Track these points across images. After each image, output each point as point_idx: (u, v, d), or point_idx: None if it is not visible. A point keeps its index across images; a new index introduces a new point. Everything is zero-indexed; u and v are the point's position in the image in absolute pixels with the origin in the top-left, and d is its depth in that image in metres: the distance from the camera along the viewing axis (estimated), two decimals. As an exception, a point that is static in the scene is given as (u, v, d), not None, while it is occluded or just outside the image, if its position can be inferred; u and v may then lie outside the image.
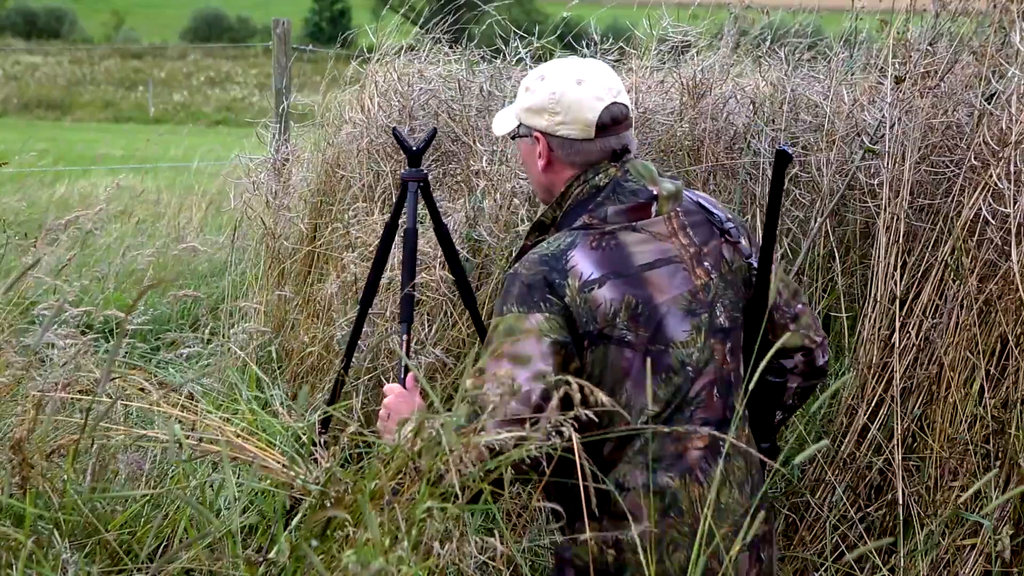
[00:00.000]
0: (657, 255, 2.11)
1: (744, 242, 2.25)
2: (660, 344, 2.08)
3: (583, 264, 2.08)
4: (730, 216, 2.26)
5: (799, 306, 2.31)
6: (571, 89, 2.16)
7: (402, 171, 2.78)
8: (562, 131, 2.17)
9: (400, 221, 2.82)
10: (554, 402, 1.78)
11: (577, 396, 1.75)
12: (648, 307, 2.08)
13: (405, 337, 2.64)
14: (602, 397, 1.75)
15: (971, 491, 1.97)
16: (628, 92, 3.69)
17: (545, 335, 2.03)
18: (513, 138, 2.32)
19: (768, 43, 3.91)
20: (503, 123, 2.35)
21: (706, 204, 2.26)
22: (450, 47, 4.20)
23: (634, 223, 2.12)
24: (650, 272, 2.10)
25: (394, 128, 2.80)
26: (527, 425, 1.90)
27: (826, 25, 4.45)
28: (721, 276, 2.18)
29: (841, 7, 3.88)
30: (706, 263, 2.16)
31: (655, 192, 2.15)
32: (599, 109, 2.15)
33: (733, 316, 2.17)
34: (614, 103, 2.17)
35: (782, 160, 2.06)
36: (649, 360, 2.04)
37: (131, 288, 5.09)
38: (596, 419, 1.95)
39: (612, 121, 2.17)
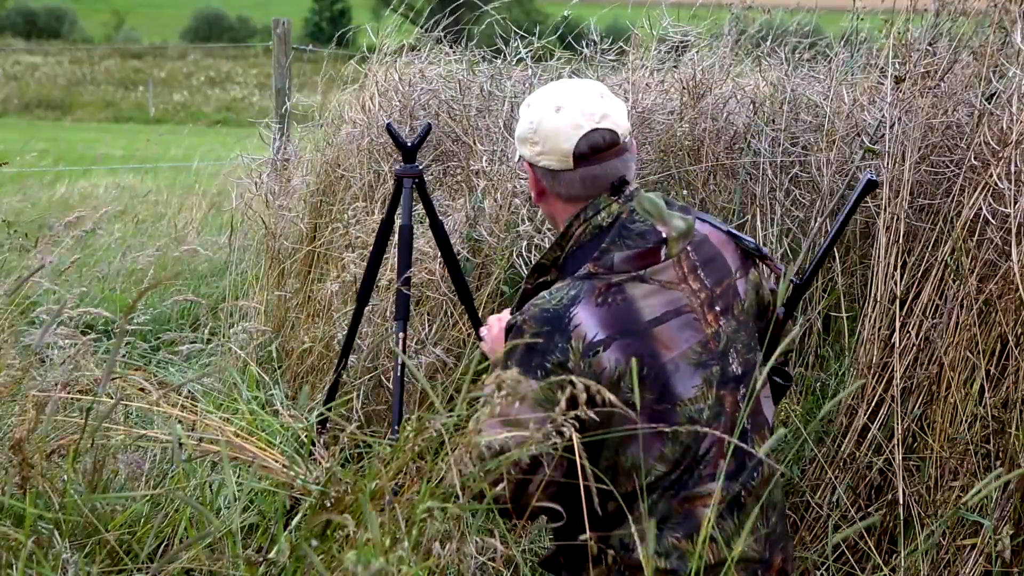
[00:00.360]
0: (665, 307, 2.01)
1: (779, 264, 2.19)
2: (666, 403, 2.00)
3: (587, 323, 1.98)
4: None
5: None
6: (548, 117, 2.06)
7: (397, 167, 2.77)
8: (543, 161, 2.08)
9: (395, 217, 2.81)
10: (562, 403, 1.76)
11: (583, 397, 1.74)
12: (655, 367, 1.99)
13: (401, 335, 2.64)
14: (608, 396, 1.74)
15: (972, 494, 1.97)
16: (627, 92, 3.72)
17: (540, 403, 1.94)
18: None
19: (768, 43, 3.90)
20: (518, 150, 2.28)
21: (733, 231, 2.17)
22: (450, 47, 4.20)
23: (642, 271, 2.02)
24: (658, 327, 2.00)
25: (388, 124, 2.78)
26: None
27: (825, 25, 4.45)
28: (734, 318, 2.09)
29: (840, 7, 3.88)
30: (718, 307, 2.06)
31: (664, 234, 2.03)
32: (576, 138, 2.04)
33: (747, 359, 2.09)
34: (595, 130, 2.05)
35: (869, 188, 2.00)
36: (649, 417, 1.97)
37: (132, 288, 5.09)
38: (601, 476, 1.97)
39: (591, 150, 2.05)
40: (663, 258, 2.03)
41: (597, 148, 2.06)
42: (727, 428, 2.03)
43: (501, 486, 1.93)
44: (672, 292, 2.02)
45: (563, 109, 2.06)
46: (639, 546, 1.97)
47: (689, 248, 2.07)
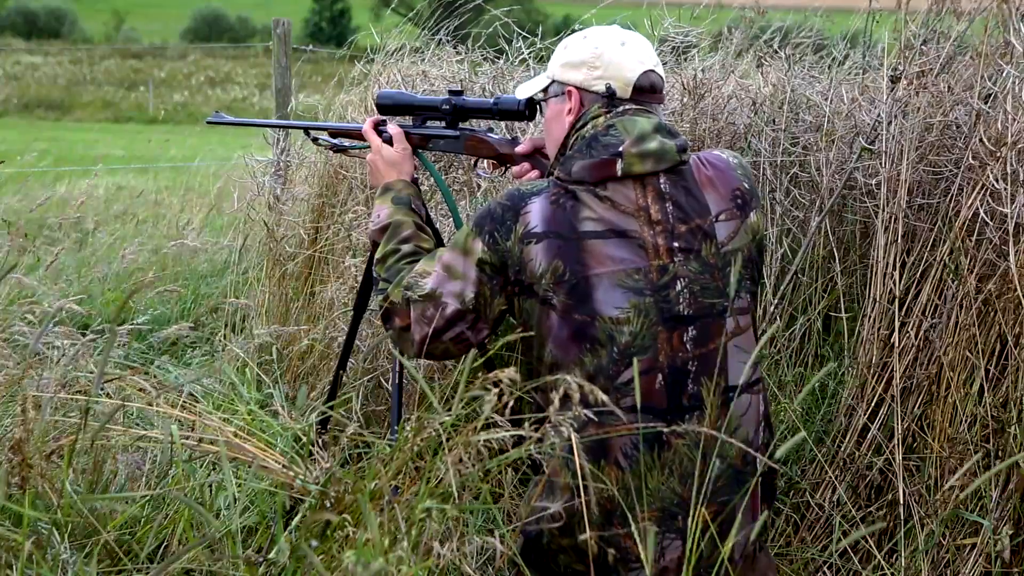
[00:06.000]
0: (608, 226, 2.05)
1: (754, 217, 2.17)
2: (584, 315, 2.03)
3: (535, 215, 2.07)
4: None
5: None
6: (614, 48, 2.14)
7: None
8: (598, 86, 2.14)
9: None
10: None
11: (577, 395, 1.75)
12: (577, 276, 2.03)
13: None
14: (600, 396, 1.76)
15: (969, 489, 1.97)
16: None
17: (479, 264, 2.10)
18: (538, 102, 2.32)
19: (774, 44, 3.90)
20: (530, 87, 2.33)
21: (737, 172, 2.18)
22: (454, 48, 4.20)
23: (596, 186, 2.06)
24: (592, 241, 2.04)
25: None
26: (427, 331, 2.14)
27: (828, 26, 4.44)
28: (698, 259, 2.07)
29: (848, 7, 3.87)
30: (676, 244, 2.06)
31: (622, 148, 2.06)
32: (639, 72, 2.14)
33: (707, 304, 2.07)
34: (653, 71, 2.16)
35: None
36: (572, 326, 2.03)
37: (131, 289, 5.10)
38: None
39: (650, 87, 2.16)
40: (618, 172, 2.06)
41: (655, 88, 2.17)
42: (661, 364, 2.03)
43: (405, 317, 2.17)
44: (623, 215, 2.06)
45: (627, 45, 2.16)
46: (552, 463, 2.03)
47: (663, 177, 2.09)
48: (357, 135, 2.68)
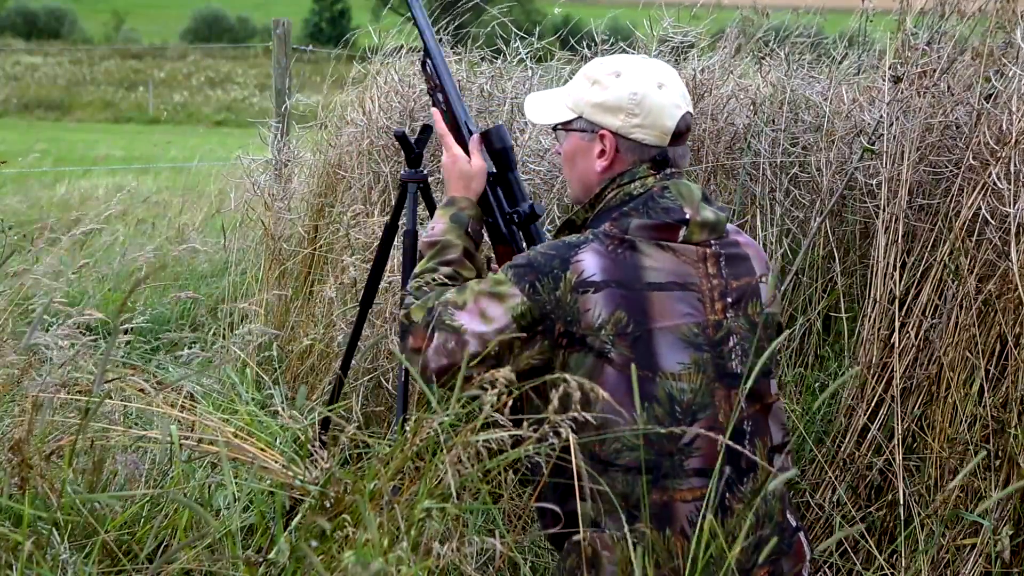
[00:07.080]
0: (672, 277, 1.99)
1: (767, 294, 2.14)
2: (646, 370, 1.94)
3: (589, 263, 1.98)
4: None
5: None
6: (653, 92, 2.06)
7: (402, 172, 2.77)
8: (637, 134, 2.07)
9: (400, 223, 2.81)
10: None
11: (577, 395, 1.74)
12: (640, 328, 1.95)
13: None
14: (602, 393, 1.74)
15: (960, 479, 1.97)
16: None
17: (513, 313, 1.99)
18: (556, 129, 2.19)
19: (771, 44, 3.90)
20: (549, 112, 2.20)
21: (762, 250, 2.17)
22: (452, 48, 4.20)
23: (658, 241, 2.01)
24: (657, 293, 1.97)
25: (402, 132, 2.71)
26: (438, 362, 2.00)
27: (829, 27, 4.45)
28: (747, 317, 2.05)
29: (847, 7, 3.87)
30: (729, 298, 2.03)
31: (688, 216, 2.03)
32: (678, 116, 2.07)
33: (755, 362, 2.02)
34: (688, 112, 2.10)
35: None
36: (635, 380, 1.89)
37: (129, 288, 5.09)
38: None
39: (686, 129, 2.10)
40: (680, 239, 2.02)
41: (688, 129, 2.12)
42: (718, 425, 1.97)
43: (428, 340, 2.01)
44: (685, 267, 2.01)
45: (665, 87, 2.07)
46: (608, 524, 1.93)
47: (714, 241, 2.06)
48: (454, 126, 2.42)
